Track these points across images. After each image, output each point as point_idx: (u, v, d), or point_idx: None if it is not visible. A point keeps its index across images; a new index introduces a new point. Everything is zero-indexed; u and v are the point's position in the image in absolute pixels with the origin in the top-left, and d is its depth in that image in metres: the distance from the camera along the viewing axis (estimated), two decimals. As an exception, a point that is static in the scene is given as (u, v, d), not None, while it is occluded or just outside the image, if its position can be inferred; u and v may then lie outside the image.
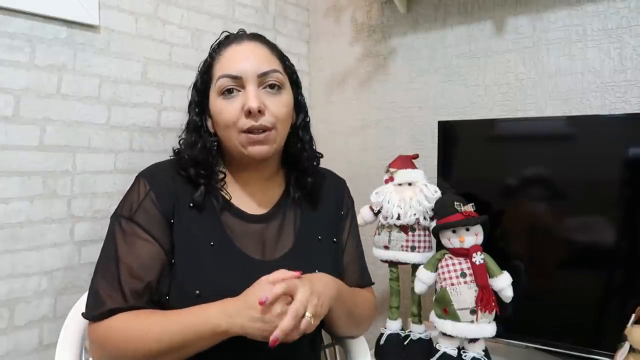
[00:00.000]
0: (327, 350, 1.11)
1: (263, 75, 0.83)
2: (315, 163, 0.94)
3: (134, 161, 1.16)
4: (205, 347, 0.74)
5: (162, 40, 1.23)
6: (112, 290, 0.77)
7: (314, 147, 0.95)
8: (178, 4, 1.26)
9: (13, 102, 0.97)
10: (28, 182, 0.99)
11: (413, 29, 1.42)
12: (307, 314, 0.73)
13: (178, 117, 1.23)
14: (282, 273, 0.75)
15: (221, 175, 0.88)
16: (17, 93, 0.97)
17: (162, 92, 1.23)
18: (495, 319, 0.95)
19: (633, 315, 0.80)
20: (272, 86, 0.84)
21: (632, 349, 0.79)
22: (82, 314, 0.79)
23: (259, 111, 0.81)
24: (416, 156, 1.14)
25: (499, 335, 0.95)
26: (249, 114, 0.80)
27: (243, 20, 1.44)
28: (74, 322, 0.89)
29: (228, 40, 0.89)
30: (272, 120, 0.82)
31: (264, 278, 0.75)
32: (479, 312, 0.92)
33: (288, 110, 0.86)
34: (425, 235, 1.07)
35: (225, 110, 0.83)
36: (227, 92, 0.83)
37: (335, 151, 1.59)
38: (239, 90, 0.83)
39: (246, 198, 0.89)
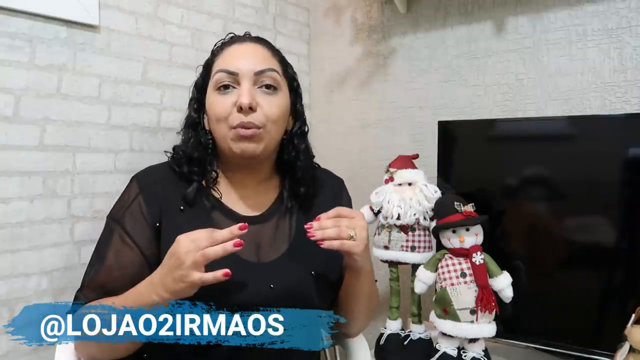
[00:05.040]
0: (327, 350, 1.11)
1: (259, 74, 0.83)
2: (311, 171, 0.93)
3: (134, 161, 1.15)
4: None
5: (162, 40, 1.22)
6: (89, 290, 0.79)
7: (311, 156, 0.94)
8: (178, 4, 1.26)
9: (13, 102, 0.96)
10: (28, 182, 0.99)
11: (413, 29, 1.42)
12: (351, 232, 0.77)
13: (178, 117, 1.21)
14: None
15: (214, 174, 0.87)
16: (17, 93, 0.97)
17: (162, 92, 1.22)
18: (495, 319, 0.95)
19: (633, 315, 0.80)
20: (268, 86, 0.84)
21: (632, 349, 0.79)
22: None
23: (250, 108, 0.80)
24: (416, 156, 1.14)
25: (499, 335, 0.95)
26: (240, 109, 0.81)
27: (243, 20, 1.44)
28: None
29: (231, 40, 0.90)
30: (262, 119, 0.82)
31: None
32: (479, 312, 0.92)
33: (281, 111, 0.86)
34: (425, 235, 1.07)
35: (218, 104, 0.83)
36: (223, 88, 0.83)
37: (335, 151, 1.59)
38: (235, 87, 0.83)
39: (239, 200, 0.89)
